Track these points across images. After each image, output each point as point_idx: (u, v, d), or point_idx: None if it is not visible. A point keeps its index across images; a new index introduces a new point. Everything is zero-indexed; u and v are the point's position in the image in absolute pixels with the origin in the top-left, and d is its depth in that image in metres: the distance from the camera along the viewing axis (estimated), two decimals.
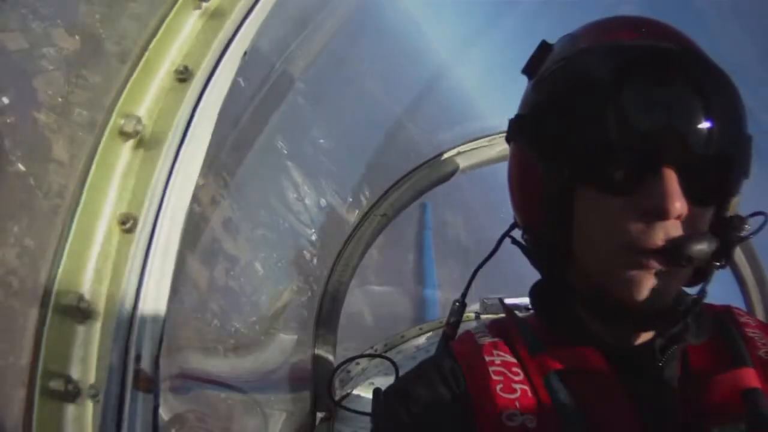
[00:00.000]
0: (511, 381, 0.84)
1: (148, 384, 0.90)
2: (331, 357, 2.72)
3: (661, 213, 0.72)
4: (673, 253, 0.73)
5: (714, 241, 0.75)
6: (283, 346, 2.79)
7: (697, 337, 0.85)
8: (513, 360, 0.87)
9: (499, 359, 0.87)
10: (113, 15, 0.91)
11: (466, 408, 0.83)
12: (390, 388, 0.95)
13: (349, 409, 2.20)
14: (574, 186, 0.78)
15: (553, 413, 0.79)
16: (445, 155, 2.72)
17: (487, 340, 0.91)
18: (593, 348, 0.83)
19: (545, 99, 0.84)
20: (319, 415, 2.67)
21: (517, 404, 0.81)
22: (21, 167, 1.10)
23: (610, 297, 0.79)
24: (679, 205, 0.72)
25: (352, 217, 2.89)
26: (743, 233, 0.80)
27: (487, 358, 0.87)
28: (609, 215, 0.75)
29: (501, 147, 2.59)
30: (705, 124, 0.74)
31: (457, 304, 1.32)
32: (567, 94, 0.80)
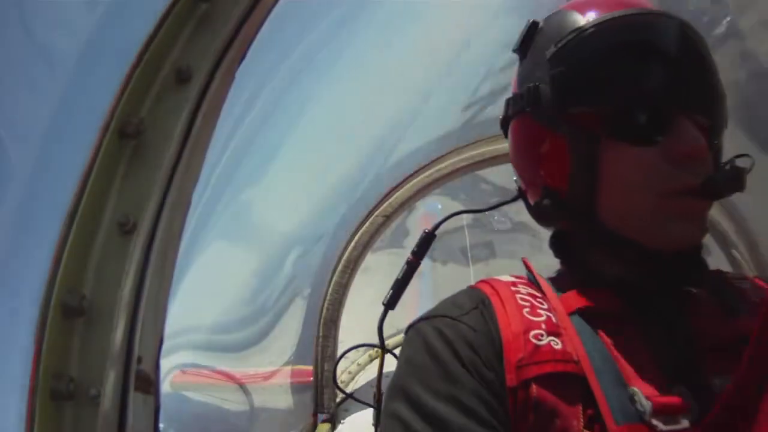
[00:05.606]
0: (536, 308, 0.87)
1: (150, 385, 0.90)
2: (333, 358, 2.73)
3: (694, 153, 0.81)
4: (710, 187, 0.81)
5: (733, 173, 0.83)
6: (285, 348, 2.79)
7: (701, 286, 0.89)
8: (538, 294, 0.91)
9: (525, 291, 0.91)
10: (114, 17, 0.92)
11: (493, 326, 0.85)
12: (413, 321, 0.96)
13: (357, 399, 2.21)
14: (601, 146, 0.85)
15: (577, 342, 0.82)
16: (446, 156, 2.72)
17: (511, 279, 0.95)
18: (611, 290, 0.87)
19: (571, 65, 0.89)
20: (321, 417, 2.67)
21: (543, 326, 0.83)
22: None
23: (645, 244, 0.84)
24: (704, 145, 0.81)
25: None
26: (742, 168, 0.87)
27: (513, 288, 0.91)
28: (646, 166, 0.83)
29: (501, 146, 2.60)
30: (710, 77, 0.87)
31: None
32: (594, 59, 0.87)
